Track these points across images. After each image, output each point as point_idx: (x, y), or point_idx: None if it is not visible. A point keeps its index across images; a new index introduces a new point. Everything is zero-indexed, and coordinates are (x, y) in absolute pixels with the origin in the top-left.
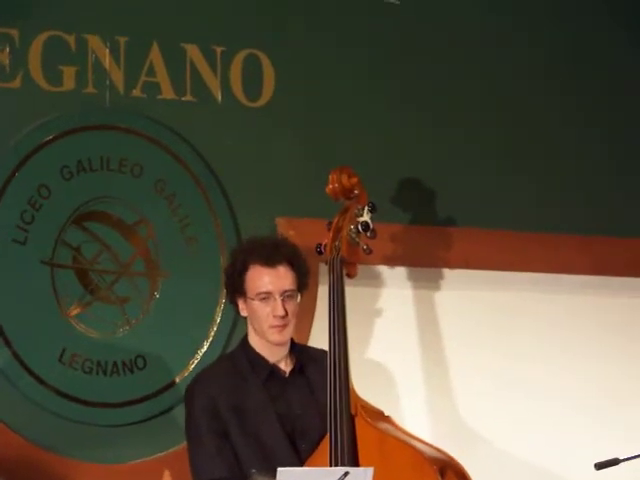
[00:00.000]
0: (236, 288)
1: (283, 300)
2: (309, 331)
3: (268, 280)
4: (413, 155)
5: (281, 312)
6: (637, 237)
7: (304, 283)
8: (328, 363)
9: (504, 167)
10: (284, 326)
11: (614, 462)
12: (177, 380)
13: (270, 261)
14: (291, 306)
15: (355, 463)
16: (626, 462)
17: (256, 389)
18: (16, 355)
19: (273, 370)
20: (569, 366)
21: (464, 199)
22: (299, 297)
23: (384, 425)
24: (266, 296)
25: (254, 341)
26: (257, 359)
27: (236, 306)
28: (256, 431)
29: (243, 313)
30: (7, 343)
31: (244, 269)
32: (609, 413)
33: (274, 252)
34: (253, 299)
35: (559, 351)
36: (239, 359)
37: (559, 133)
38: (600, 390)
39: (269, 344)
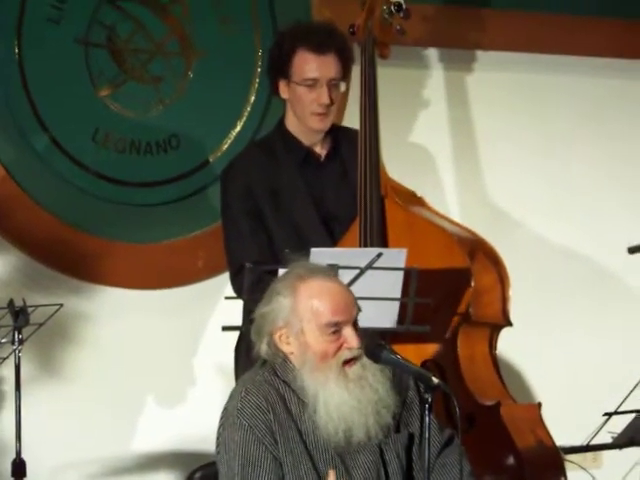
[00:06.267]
0: (281, 69)
1: (329, 88)
2: (343, 112)
3: (316, 67)
4: None
5: (327, 100)
6: None
7: (348, 72)
8: (359, 144)
9: None
10: (326, 114)
11: None
12: (210, 160)
13: (321, 48)
14: (335, 95)
15: (384, 244)
16: None
17: (291, 172)
18: (53, 139)
19: (308, 153)
20: (606, 151)
21: None
22: (343, 86)
23: (415, 207)
24: (312, 83)
25: (291, 124)
26: (293, 142)
27: (276, 87)
28: (290, 213)
29: (284, 95)
30: (44, 128)
31: (292, 52)
32: None
33: (325, 39)
34: (299, 84)
35: (594, 136)
36: (274, 142)
37: None
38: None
39: (307, 128)
